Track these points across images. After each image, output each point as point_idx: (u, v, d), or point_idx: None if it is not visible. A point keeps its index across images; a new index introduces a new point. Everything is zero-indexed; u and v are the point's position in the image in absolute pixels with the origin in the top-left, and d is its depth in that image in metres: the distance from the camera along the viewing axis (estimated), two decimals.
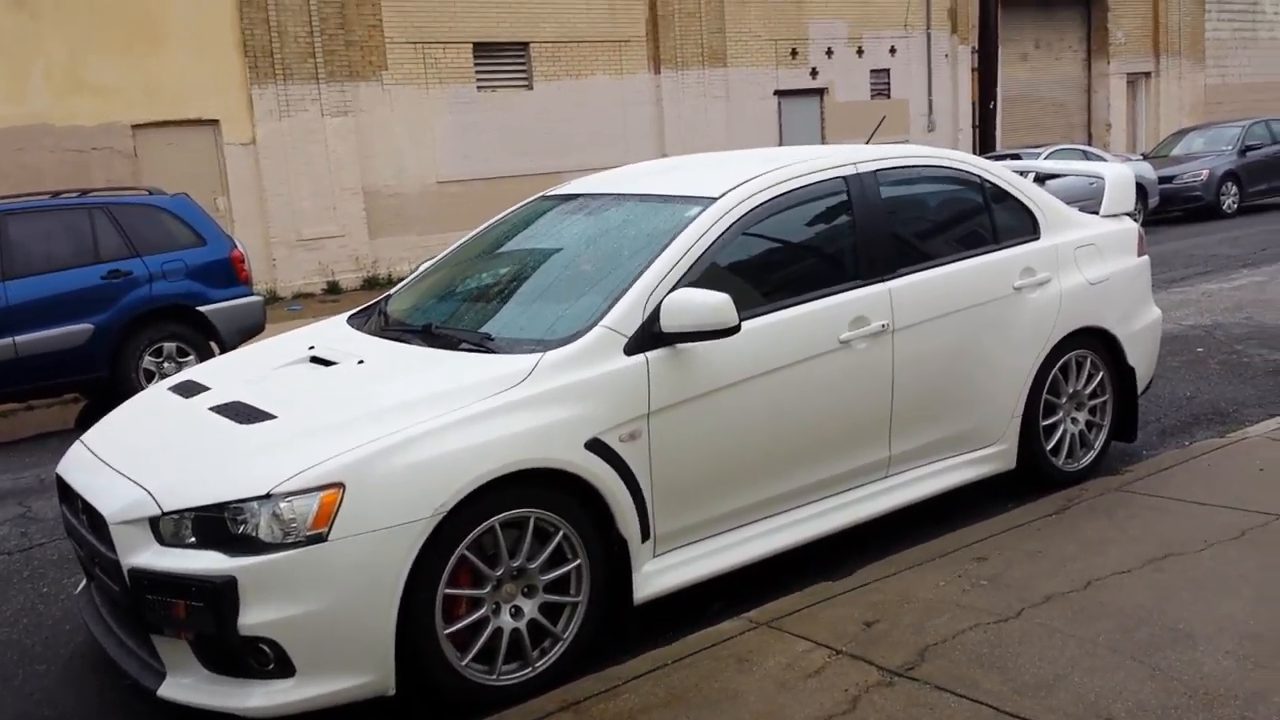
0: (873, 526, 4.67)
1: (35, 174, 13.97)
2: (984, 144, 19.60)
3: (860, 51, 22.67)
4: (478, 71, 17.79)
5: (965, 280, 4.91)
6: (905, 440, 4.76)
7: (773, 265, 4.54)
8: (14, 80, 14.05)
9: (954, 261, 4.91)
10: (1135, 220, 5.84)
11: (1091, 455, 5.46)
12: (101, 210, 9.37)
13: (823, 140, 22.22)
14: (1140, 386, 5.68)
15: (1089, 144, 28.27)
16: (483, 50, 17.79)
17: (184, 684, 3.42)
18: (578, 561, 3.76)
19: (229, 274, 9.83)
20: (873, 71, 22.99)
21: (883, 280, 4.64)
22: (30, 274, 8.88)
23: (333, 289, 16.58)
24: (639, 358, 3.91)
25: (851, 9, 22.38)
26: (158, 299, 9.36)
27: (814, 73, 22.05)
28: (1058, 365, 5.23)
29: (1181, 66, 29.51)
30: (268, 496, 3.29)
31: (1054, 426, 5.30)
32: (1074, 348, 5.30)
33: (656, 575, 3.99)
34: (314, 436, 3.51)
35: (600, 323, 3.93)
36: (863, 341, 4.52)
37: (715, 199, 4.38)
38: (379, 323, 4.74)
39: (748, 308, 4.20)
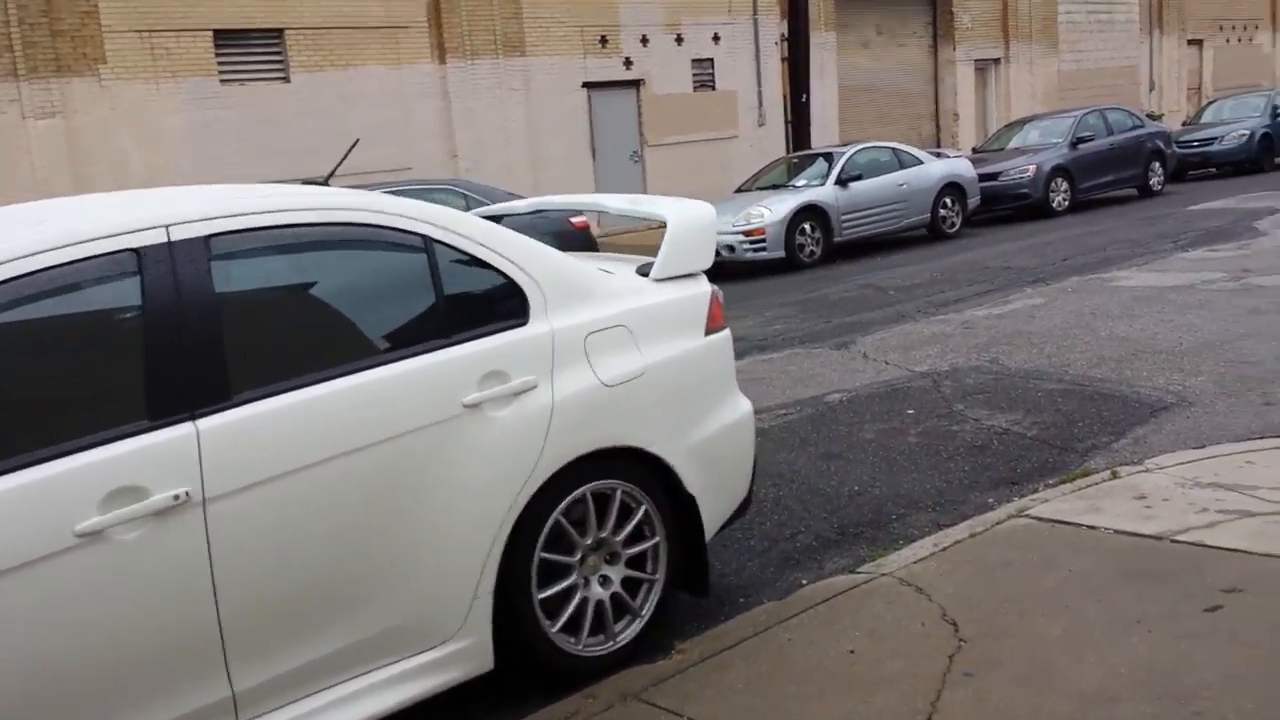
0: None
1: None
2: (798, 141, 18.06)
3: (680, 39, 20.96)
4: (220, 63, 15.65)
5: (363, 401, 3.17)
6: (263, 665, 3.01)
7: None
8: None
9: (346, 374, 3.18)
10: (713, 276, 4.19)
11: (637, 626, 3.80)
12: None
13: (640, 137, 20.54)
14: (719, 517, 4.05)
15: (938, 135, 27.12)
16: (226, 38, 15.65)
17: None
18: None
19: None
20: (694, 61, 21.28)
21: (189, 419, 2.89)
22: None
23: None
24: None
25: None
26: None
27: (628, 63, 20.28)
28: (560, 507, 3.55)
29: (1033, 52, 28.53)
30: None
31: (564, 595, 3.62)
32: (591, 478, 3.63)
33: None
34: None
35: None
36: (132, 528, 2.76)
37: None
38: None
39: None
